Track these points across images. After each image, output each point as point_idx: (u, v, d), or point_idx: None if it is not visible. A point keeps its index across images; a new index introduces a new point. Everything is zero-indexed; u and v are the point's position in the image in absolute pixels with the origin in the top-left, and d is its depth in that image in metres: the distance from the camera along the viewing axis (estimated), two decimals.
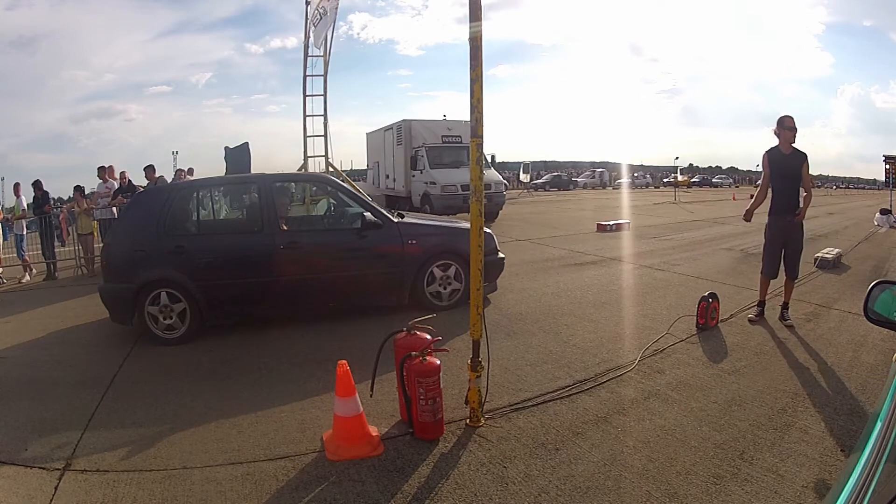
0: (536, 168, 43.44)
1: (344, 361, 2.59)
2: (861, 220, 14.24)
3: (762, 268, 4.81)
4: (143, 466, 2.56)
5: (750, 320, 4.80)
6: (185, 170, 10.97)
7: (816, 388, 3.37)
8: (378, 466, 2.49)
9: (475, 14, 2.64)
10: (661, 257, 8.17)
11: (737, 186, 33.90)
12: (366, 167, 20.28)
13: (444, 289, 4.95)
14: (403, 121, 14.68)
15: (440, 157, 13.77)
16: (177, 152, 31.41)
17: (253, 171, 9.31)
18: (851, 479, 0.89)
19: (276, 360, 4.06)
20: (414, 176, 14.26)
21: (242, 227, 4.97)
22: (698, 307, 4.59)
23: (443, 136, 14.12)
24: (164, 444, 2.79)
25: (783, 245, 4.65)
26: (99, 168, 9.39)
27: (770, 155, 4.63)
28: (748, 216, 4.70)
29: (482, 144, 2.77)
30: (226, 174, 9.50)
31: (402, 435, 2.78)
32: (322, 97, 8.61)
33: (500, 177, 14.48)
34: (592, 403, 3.17)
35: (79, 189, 9.75)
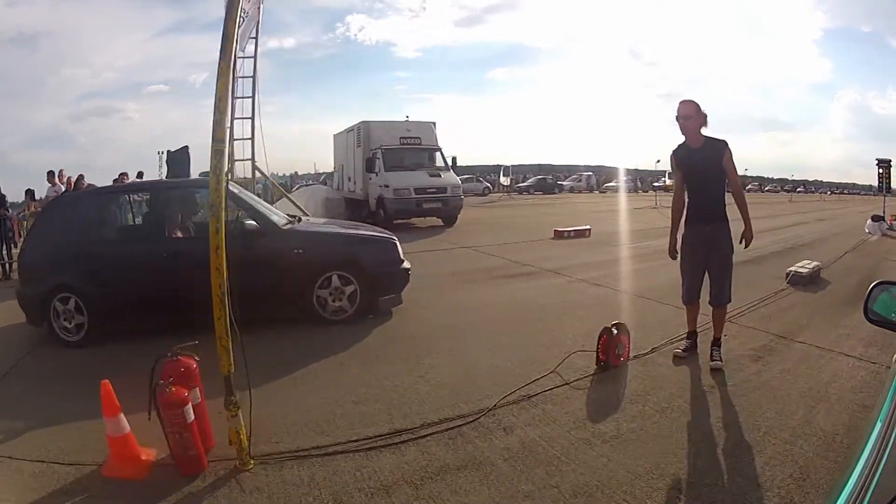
0: (532, 171, 42.67)
1: (106, 381, 2.44)
2: (852, 228, 13.06)
3: (681, 292, 3.68)
4: None
5: (676, 356, 3.67)
6: (129, 174, 10.55)
7: (728, 473, 2.23)
8: (131, 491, 2.37)
9: (231, 14, 2.50)
10: (609, 269, 7.04)
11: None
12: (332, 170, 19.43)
13: (336, 301, 4.50)
14: (362, 122, 13.96)
15: (396, 159, 13.02)
16: (162, 153, 30.05)
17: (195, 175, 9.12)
18: (851, 479, 0.88)
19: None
20: (371, 179, 13.50)
21: (133, 235, 4.86)
22: (598, 340, 3.47)
23: (401, 138, 13.39)
24: (9, 434, 2.82)
25: (704, 263, 3.51)
26: (48, 172, 9.44)
27: (676, 154, 3.55)
28: (671, 250, 3.66)
29: (224, 151, 2.45)
30: (166, 178, 9.49)
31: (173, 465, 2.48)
32: (251, 99, 8.54)
33: (458, 180, 13.64)
34: (389, 464, 2.42)
35: (29, 193, 10.01)
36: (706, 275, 3.52)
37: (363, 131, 13.82)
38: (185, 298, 4.12)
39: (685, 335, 3.80)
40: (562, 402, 2.99)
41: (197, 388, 2.48)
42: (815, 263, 6.67)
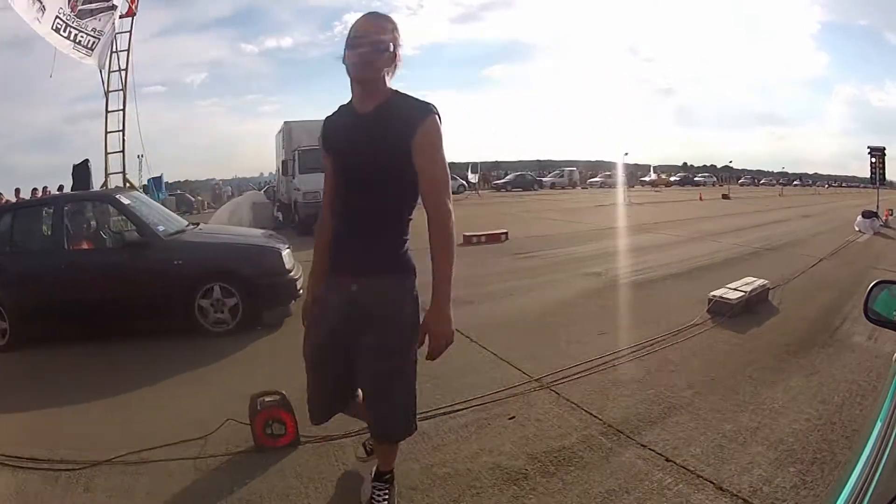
0: (532, 168, 41.58)
1: None
2: (840, 225, 11.04)
3: None
4: None
5: (360, 456, 2.12)
6: (41, 188, 10.94)
7: None
8: None
9: None
10: (477, 288, 5.20)
11: (721, 185, 30.40)
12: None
13: (217, 313, 4.34)
14: (285, 123, 13.33)
15: (313, 160, 11.75)
16: (141, 156, 29.67)
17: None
18: (851, 479, 0.88)
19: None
20: (292, 182, 12.71)
21: (39, 247, 4.98)
22: (249, 411, 2.32)
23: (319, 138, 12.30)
24: None
25: (344, 349, 1.60)
26: None
27: (327, 125, 1.68)
28: (305, 314, 1.76)
29: None
30: (71, 190, 9.60)
31: None
32: (121, 112, 8.72)
33: None
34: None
35: None
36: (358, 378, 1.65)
37: (285, 133, 12.99)
38: (86, 307, 4.31)
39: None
40: (157, 485, 2.12)
41: None
42: (759, 282, 4.78)
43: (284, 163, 12.43)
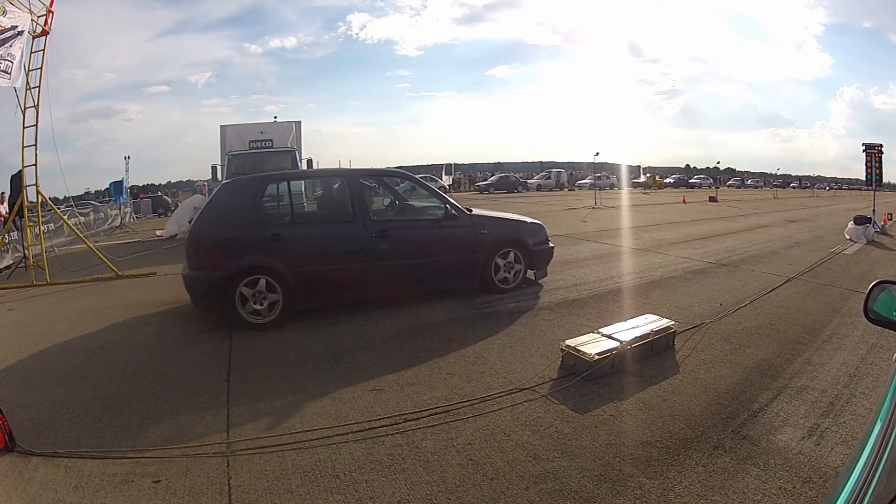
0: (536, 169, 40.67)
1: None
2: (829, 232, 9.41)
3: None
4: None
5: None
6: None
7: None
8: None
9: None
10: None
11: (716, 188, 28.52)
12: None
13: (509, 273, 5.05)
14: (221, 126, 12.91)
15: (240, 165, 11.23)
16: (128, 157, 29.74)
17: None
18: (851, 479, 0.88)
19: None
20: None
21: (334, 217, 5.02)
22: None
23: (251, 142, 11.91)
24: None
25: None
26: None
27: None
28: None
29: None
30: (9, 198, 10.00)
31: None
32: (34, 127, 8.82)
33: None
34: None
35: None
36: None
37: (221, 137, 12.42)
38: (387, 273, 4.51)
39: None
40: None
41: None
42: (657, 325, 3.35)
43: (213, 168, 12.03)
